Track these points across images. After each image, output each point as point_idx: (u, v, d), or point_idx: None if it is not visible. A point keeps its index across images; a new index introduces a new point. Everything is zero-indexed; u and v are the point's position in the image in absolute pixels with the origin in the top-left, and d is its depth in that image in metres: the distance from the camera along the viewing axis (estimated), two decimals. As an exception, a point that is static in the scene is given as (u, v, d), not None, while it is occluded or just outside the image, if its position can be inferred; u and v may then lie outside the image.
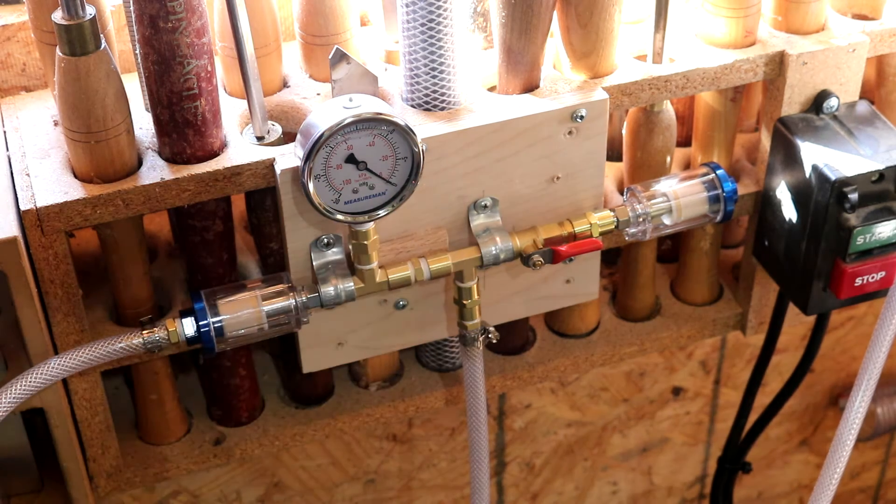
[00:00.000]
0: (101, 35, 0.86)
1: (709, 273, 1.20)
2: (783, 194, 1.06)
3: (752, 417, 1.28)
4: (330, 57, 0.87)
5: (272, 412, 1.12)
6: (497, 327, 1.03)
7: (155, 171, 0.91)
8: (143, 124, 0.95)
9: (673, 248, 1.24)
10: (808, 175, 1.02)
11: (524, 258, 0.98)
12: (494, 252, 0.98)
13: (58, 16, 0.85)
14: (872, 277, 1.04)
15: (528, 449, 1.42)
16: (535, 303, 1.08)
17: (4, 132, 0.97)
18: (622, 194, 1.06)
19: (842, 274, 1.04)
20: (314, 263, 0.96)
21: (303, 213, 0.93)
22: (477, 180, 0.97)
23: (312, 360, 1.04)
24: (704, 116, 1.09)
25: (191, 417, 1.11)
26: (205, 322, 0.92)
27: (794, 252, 1.07)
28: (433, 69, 0.93)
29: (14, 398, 0.90)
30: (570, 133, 0.98)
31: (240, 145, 0.94)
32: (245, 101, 0.95)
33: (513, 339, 1.16)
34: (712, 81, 1.02)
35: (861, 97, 1.07)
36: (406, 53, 0.93)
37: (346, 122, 0.85)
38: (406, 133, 0.87)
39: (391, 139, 0.88)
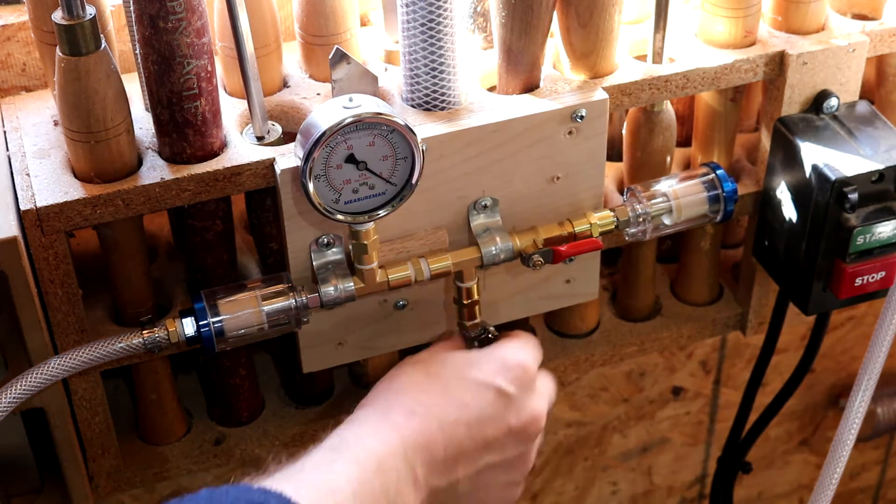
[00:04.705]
0: (101, 35, 0.86)
1: (709, 273, 1.20)
2: (783, 194, 1.06)
3: (752, 417, 1.28)
4: (330, 57, 0.87)
5: (272, 412, 1.12)
6: (497, 327, 1.03)
7: (155, 171, 0.91)
8: (143, 124, 0.95)
9: (673, 248, 1.24)
10: (808, 175, 1.02)
11: (524, 258, 0.98)
12: (494, 252, 0.98)
13: (58, 16, 0.85)
14: (872, 277, 1.04)
15: (528, 449, 1.42)
16: (535, 303, 1.08)
17: (4, 132, 0.97)
18: (622, 194, 1.06)
19: (842, 274, 1.04)
20: (314, 263, 0.96)
21: (303, 213, 0.93)
22: (477, 180, 0.97)
23: (312, 360, 1.04)
24: (704, 116, 1.09)
25: (191, 417, 1.11)
26: (205, 322, 0.92)
27: (794, 252, 1.07)
28: (433, 69, 0.93)
29: (14, 398, 0.90)
30: (570, 133, 0.98)
31: (240, 145, 0.94)
32: (245, 101, 0.95)
33: (513, 339, 1.16)
34: (712, 81, 1.02)
35: (861, 97, 1.07)
36: (406, 53, 0.93)
37: (346, 122, 0.85)
38: (406, 133, 0.87)
39: (391, 139, 0.88)
